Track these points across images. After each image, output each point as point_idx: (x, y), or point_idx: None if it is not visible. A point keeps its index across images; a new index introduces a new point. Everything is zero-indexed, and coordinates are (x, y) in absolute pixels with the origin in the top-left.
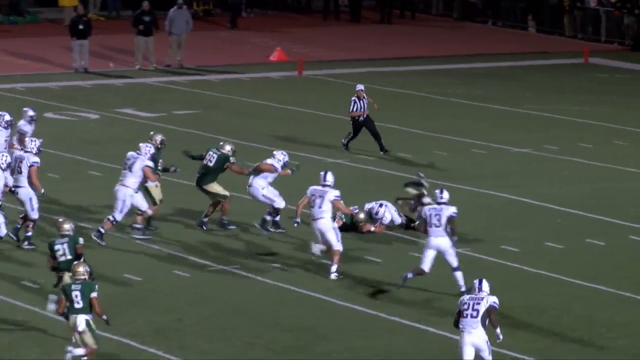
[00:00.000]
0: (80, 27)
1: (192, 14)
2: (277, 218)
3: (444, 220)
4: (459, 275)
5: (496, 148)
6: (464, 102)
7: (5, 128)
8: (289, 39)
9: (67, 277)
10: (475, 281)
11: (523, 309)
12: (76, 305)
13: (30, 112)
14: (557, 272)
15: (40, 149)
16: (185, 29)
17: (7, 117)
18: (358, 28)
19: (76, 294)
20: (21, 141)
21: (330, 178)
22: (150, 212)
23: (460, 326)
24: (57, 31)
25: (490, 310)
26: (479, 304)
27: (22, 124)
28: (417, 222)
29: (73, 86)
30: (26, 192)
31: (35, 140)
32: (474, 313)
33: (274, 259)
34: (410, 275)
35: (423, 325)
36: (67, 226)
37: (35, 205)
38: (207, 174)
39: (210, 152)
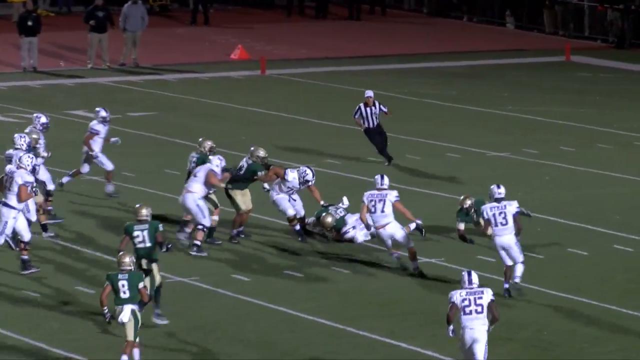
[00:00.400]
0: (29, 23)
1: (147, 10)
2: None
3: (509, 217)
4: (519, 268)
5: (472, 152)
6: (437, 103)
7: (103, 124)
8: (251, 36)
9: (144, 265)
10: (463, 274)
11: (501, 323)
12: (122, 296)
13: (103, 113)
14: (537, 283)
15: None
16: (140, 25)
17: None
18: (324, 24)
19: (123, 284)
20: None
21: (387, 181)
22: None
23: (463, 324)
24: (5, 28)
25: (491, 305)
26: (480, 297)
27: (94, 124)
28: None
29: (21, 86)
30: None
31: (24, 136)
32: (479, 309)
33: (235, 270)
34: (511, 282)
35: (394, 340)
36: (145, 211)
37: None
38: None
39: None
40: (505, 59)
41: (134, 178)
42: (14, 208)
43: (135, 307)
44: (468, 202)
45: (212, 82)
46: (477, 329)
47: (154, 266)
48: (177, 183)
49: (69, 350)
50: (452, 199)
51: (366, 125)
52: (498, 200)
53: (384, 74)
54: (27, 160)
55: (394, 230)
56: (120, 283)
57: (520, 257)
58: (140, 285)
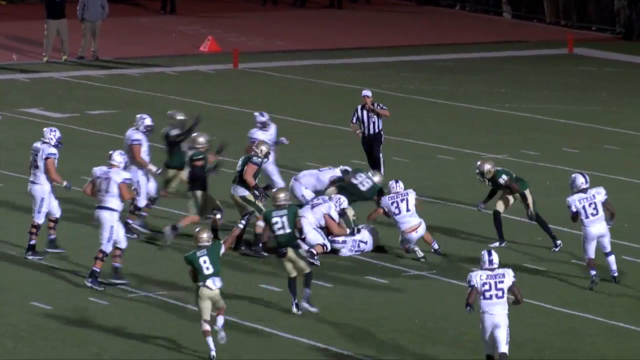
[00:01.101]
0: None
1: None
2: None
3: (600, 207)
4: (612, 259)
5: (466, 154)
6: (428, 100)
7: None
8: (222, 27)
9: (290, 252)
10: (483, 254)
11: None
12: (206, 272)
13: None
14: (537, 298)
15: (60, 141)
16: (100, 14)
17: (148, 122)
18: (303, 14)
19: (204, 260)
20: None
21: (402, 184)
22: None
23: (483, 308)
24: None
25: (513, 288)
26: (502, 281)
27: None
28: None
29: None
30: (41, 190)
31: (55, 130)
32: (499, 293)
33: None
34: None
35: None
36: (282, 195)
37: (44, 209)
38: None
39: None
40: (502, 52)
41: None
42: (116, 210)
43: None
44: (487, 167)
45: (180, 77)
46: (497, 314)
47: (293, 252)
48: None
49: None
50: (444, 205)
51: (365, 132)
52: (584, 190)
53: (368, 68)
54: (120, 157)
55: (423, 232)
56: (201, 260)
57: (609, 247)
58: (222, 251)
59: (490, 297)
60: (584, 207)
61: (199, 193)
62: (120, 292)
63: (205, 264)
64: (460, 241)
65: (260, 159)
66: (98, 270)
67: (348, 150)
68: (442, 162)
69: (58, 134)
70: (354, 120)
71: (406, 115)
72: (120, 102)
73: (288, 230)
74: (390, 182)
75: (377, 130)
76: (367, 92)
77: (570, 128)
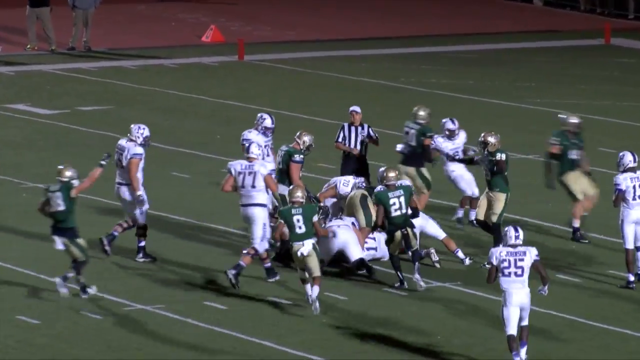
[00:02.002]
0: None
1: None
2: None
3: None
4: None
5: None
6: (450, 95)
7: (264, 134)
8: (227, 15)
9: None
10: (507, 229)
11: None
12: (298, 231)
13: (269, 121)
14: (570, 312)
15: (148, 139)
16: (93, 1)
17: (269, 123)
18: (314, 1)
19: (298, 219)
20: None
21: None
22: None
23: (503, 286)
24: None
25: (536, 265)
26: (522, 259)
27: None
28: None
29: None
30: (131, 192)
31: (144, 128)
32: (519, 271)
33: (207, 296)
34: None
35: None
36: (393, 175)
37: (145, 206)
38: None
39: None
40: (532, 43)
41: None
42: (265, 205)
43: (313, 240)
44: (493, 139)
45: (180, 69)
46: (518, 292)
47: (410, 231)
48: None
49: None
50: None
51: (348, 150)
52: (633, 170)
53: (386, 59)
54: (257, 149)
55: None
56: (294, 218)
57: None
58: (315, 218)
59: (509, 275)
60: (634, 187)
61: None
62: (114, 305)
63: (299, 222)
64: (484, 250)
65: (302, 156)
66: (244, 265)
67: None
68: None
69: (147, 132)
70: (339, 139)
71: None
72: (114, 98)
73: (404, 211)
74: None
75: (360, 151)
76: (356, 108)
77: (608, 126)
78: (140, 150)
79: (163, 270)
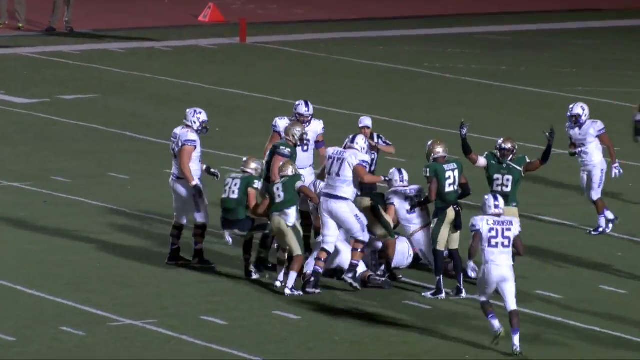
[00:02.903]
0: None
1: None
2: None
3: None
4: None
5: (526, 148)
6: (480, 82)
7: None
8: None
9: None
10: (487, 197)
11: None
12: (277, 200)
13: (302, 108)
14: (617, 328)
15: (205, 124)
16: None
17: (302, 109)
18: None
19: (277, 187)
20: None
21: (406, 176)
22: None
23: (487, 258)
24: None
25: (517, 239)
26: (509, 229)
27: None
28: None
29: None
30: (185, 186)
31: (200, 112)
32: (506, 242)
33: (206, 310)
34: None
35: None
36: (441, 148)
37: (203, 202)
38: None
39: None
40: (572, 23)
41: (68, 185)
42: (348, 199)
43: (292, 211)
44: (509, 145)
45: (174, 53)
46: (504, 265)
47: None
48: (126, 191)
49: None
50: None
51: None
52: None
53: (407, 42)
54: (362, 140)
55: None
56: (274, 187)
57: None
58: (298, 184)
59: (496, 245)
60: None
61: None
62: (98, 320)
63: (278, 191)
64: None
65: (288, 149)
66: (357, 263)
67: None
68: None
69: (204, 116)
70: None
71: (453, 102)
72: (100, 85)
73: (457, 187)
74: (392, 171)
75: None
76: (367, 122)
77: None
78: (194, 136)
79: (155, 280)
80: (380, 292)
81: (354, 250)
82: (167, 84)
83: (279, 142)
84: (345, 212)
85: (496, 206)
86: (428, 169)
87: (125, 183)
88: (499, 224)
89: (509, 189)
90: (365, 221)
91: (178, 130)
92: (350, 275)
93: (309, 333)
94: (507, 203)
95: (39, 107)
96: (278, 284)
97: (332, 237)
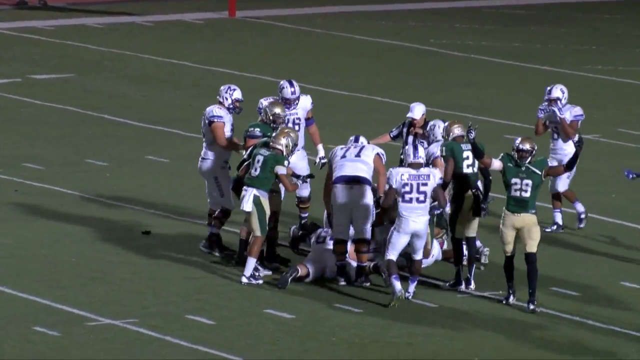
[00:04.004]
0: None
1: None
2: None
3: None
4: None
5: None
6: (492, 61)
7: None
8: None
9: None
10: (407, 147)
11: None
12: (253, 173)
13: (287, 91)
14: (637, 327)
15: (238, 104)
16: None
17: (287, 93)
18: None
19: (258, 159)
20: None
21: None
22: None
23: (401, 212)
24: None
25: (437, 189)
26: (425, 184)
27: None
28: None
29: None
30: (208, 168)
31: (234, 89)
32: (421, 197)
33: (190, 308)
34: None
35: None
36: (459, 128)
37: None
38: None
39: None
40: None
41: (41, 172)
42: (370, 184)
43: (262, 195)
44: (527, 146)
45: (157, 29)
46: (418, 221)
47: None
48: (105, 179)
49: None
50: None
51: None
52: None
53: (413, 17)
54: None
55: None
56: (257, 157)
57: None
58: (279, 170)
59: (410, 201)
60: None
61: None
62: (75, 319)
63: (258, 163)
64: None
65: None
66: (365, 265)
67: (386, 127)
68: (509, 143)
69: (238, 94)
70: (393, 134)
71: (462, 82)
72: (76, 64)
73: (475, 169)
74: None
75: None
76: (419, 109)
77: None
78: (221, 112)
79: (136, 276)
80: (381, 289)
81: (360, 252)
82: (149, 63)
83: (250, 124)
84: (367, 199)
85: (415, 155)
86: (444, 148)
87: (103, 170)
88: (414, 179)
89: (527, 195)
90: (374, 217)
91: (208, 108)
92: (362, 278)
93: (303, 333)
94: (525, 209)
95: (10, 88)
96: (244, 280)
97: (346, 227)
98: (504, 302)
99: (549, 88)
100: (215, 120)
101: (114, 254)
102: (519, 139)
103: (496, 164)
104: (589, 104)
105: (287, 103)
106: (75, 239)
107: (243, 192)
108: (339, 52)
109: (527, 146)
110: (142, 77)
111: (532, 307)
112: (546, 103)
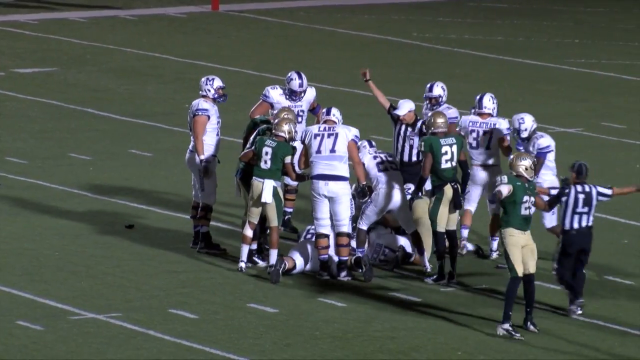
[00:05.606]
0: None
1: None
2: None
3: None
4: None
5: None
6: (475, 54)
7: (290, 97)
8: None
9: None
10: (326, 109)
11: None
12: (263, 166)
13: (295, 83)
14: (622, 322)
15: (222, 91)
16: None
17: (295, 85)
18: None
19: (267, 151)
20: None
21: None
22: None
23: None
24: None
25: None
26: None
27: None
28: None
29: None
30: (194, 161)
31: (213, 79)
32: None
33: (174, 302)
34: None
35: None
36: (441, 120)
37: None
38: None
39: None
40: None
41: (24, 166)
42: (347, 178)
43: (277, 184)
44: (527, 161)
45: (139, 22)
46: (396, 188)
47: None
48: (88, 173)
49: None
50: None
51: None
52: None
53: (396, 10)
54: (338, 112)
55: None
56: (264, 150)
57: None
58: (287, 159)
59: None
60: None
61: None
62: (58, 313)
63: (267, 156)
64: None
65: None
66: (346, 259)
67: (370, 121)
68: None
69: (218, 82)
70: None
71: (445, 74)
72: (59, 58)
73: (454, 164)
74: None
75: (413, 160)
76: (406, 106)
77: None
78: (207, 105)
79: (119, 270)
80: (365, 283)
81: (341, 246)
82: (132, 56)
83: (261, 128)
84: (346, 193)
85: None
86: (423, 143)
87: (86, 164)
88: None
89: (532, 211)
90: (354, 211)
91: (195, 101)
92: (344, 274)
93: (287, 328)
94: (529, 227)
95: None
96: (242, 265)
97: (327, 220)
98: (512, 333)
99: (428, 85)
100: (199, 113)
101: (97, 248)
102: (514, 156)
103: (505, 190)
104: (572, 97)
105: (294, 95)
106: (58, 232)
107: (256, 183)
108: (322, 46)
109: (527, 162)
110: (124, 71)
111: (534, 328)
112: (427, 102)
